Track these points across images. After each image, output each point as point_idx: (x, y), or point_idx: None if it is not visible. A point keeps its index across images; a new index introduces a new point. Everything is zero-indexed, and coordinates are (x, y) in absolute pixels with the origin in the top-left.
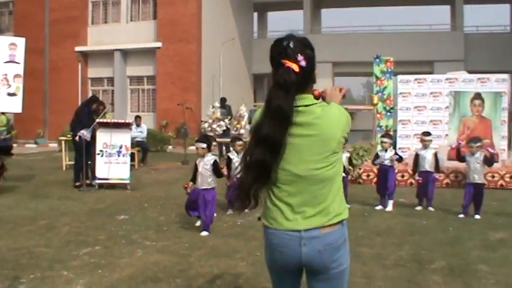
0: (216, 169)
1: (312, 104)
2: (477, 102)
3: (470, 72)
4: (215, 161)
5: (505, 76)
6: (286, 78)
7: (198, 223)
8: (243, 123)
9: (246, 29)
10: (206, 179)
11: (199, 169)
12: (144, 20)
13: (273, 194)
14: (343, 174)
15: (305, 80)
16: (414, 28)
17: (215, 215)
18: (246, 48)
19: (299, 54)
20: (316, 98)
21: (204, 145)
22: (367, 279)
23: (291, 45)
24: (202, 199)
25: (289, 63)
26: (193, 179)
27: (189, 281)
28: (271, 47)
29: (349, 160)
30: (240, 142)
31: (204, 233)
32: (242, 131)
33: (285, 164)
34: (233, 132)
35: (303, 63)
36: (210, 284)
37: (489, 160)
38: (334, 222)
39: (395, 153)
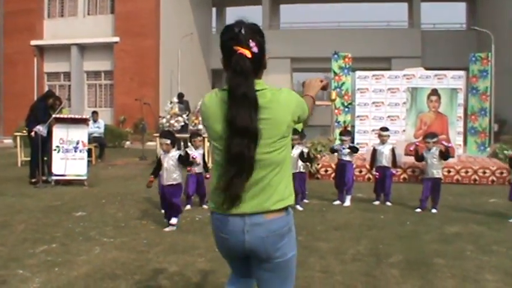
0: (183, 160)
1: (264, 89)
2: (434, 98)
3: (427, 68)
4: (180, 155)
5: (461, 73)
6: (242, 65)
7: (168, 229)
8: (201, 118)
9: (205, 24)
10: (172, 175)
11: (165, 165)
12: (102, 14)
13: (215, 175)
14: (302, 170)
15: (257, 65)
16: (372, 25)
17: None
18: (204, 43)
19: (251, 41)
20: None
21: (169, 141)
22: (325, 273)
23: (243, 31)
24: (169, 195)
25: (241, 50)
26: (155, 173)
27: (147, 278)
28: (222, 34)
29: (301, 155)
30: (199, 138)
31: (174, 220)
32: (200, 127)
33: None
34: (191, 127)
35: (255, 49)
36: (168, 280)
37: (444, 154)
38: (279, 207)
39: (351, 146)
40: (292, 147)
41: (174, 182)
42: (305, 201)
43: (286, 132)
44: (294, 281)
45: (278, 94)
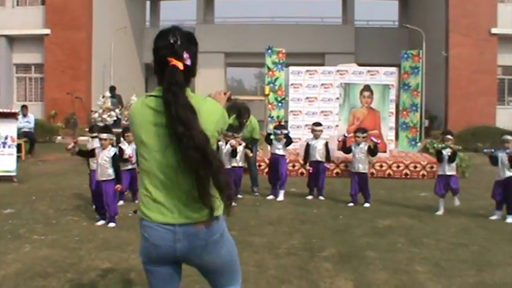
0: (114, 162)
1: (188, 97)
2: (366, 94)
3: (360, 64)
4: (115, 153)
5: (393, 69)
6: (177, 78)
7: (100, 223)
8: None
9: (138, 17)
10: (106, 171)
11: (99, 160)
12: (32, 4)
13: (144, 183)
14: (241, 164)
15: (188, 76)
16: (306, 21)
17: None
18: (138, 37)
19: (185, 52)
20: None
21: (106, 135)
22: (260, 268)
23: (179, 42)
24: (105, 192)
25: (174, 62)
26: (83, 154)
27: (79, 275)
28: (156, 40)
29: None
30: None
31: (112, 225)
32: None
33: (160, 155)
34: (124, 122)
35: (188, 61)
36: (101, 277)
37: (372, 150)
38: (208, 218)
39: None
40: (226, 143)
41: (109, 178)
42: (239, 196)
43: (211, 141)
44: (239, 270)
45: (203, 103)
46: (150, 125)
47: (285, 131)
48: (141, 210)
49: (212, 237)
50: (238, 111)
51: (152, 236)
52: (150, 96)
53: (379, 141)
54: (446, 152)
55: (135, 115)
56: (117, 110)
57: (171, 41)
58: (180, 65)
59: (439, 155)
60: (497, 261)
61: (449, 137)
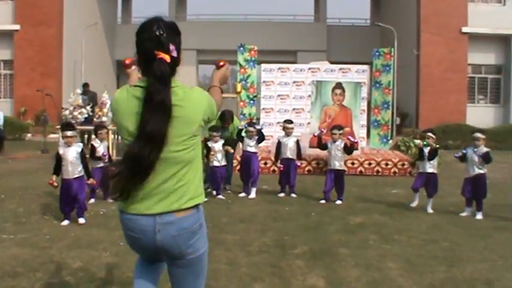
0: (84, 158)
1: (176, 86)
2: (338, 91)
3: (332, 62)
4: (82, 149)
5: (365, 67)
6: (164, 71)
7: (65, 222)
8: (105, 110)
9: (110, 14)
10: (77, 168)
11: (69, 158)
12: (1, 0)
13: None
14: (224, 163)
15: (174, 67)
16: (278, 18)
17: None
18: (109, 33)
19: (171, 44)
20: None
21: (70, 133)
22: (232, 265)
23: (164, 34)
24: (75, 189)
25: (162, 55)
26: (56, 171)
27: (50, 274)
28: (139, 32)
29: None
30: (104, 130)
31: (82, 220)
32: (104, 119)
33: None
34: (95, 119)
35: (174, 53)
36: (72, 276)
37: (349, 148)
38: (189, 206)
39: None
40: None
41: (79, 175)
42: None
43: (197, 131)
44: (206, 276)
45: (190, 93)
46: (136, 115)
47: (257, 127)
48: (120, 202)
49: (192, 226)
50: (222, 114)
51: (131, 228)
52: (137, 86)
53: (356, 140)
54: (427, 150)
55: (120, 105)
56: (88, 108)
57: (157, 34)
58: (167, 58)
59: (420, 152)
60: (467, 257)
61: (430, 134)
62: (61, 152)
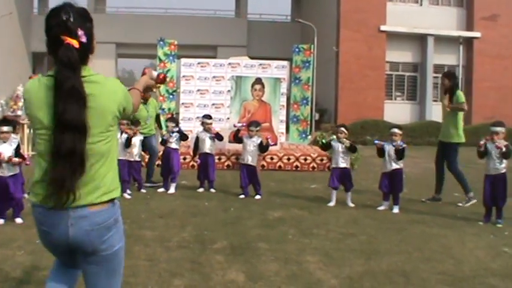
0: (18, 151)
1: (90, 75)
2: (258, 87)
3: (252, 58)
4: (18, 144)
5: (285, 63)
6: (70, 57)
7: (1, 221)
8: (20, 104)
9: (26, 4)
10: (12, 165)
11: (4, 155)
12: None
13: (40, 166)
14: (137, 159)
15: (85, 54)
16: (199, 13)
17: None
18: (25, 24)
19: (79, 29)
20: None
21: (7, 128)
22: (151, 261)
23: (71, 18)
24: (12, 187)
25: (69, 40)
26: None
27: None
28: (48, 18)
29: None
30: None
31: (19, 220)
32: (19, 112)
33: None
34: (9, 113)
35: (83, 39)
36: None
37: (264, 147)
38: (104, 200)
39: (179, 131)
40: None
41: (16, 172)
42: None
43: (112, 122)
44: (122, 273)
45: (105, 82)
46: (48, 106)
47: (176, 128)
48: (33, 195)
49: (107, 220)
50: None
51: (44, 222)
52: (48, 76)
53: (273, 143)
54: (337, 144)
55: (32, 95)
56: (2, 101)
57: (64, 18)
58: (75, 43)
59: (328, 146)
60: (384, 250)
61: (342, 129)
62: None
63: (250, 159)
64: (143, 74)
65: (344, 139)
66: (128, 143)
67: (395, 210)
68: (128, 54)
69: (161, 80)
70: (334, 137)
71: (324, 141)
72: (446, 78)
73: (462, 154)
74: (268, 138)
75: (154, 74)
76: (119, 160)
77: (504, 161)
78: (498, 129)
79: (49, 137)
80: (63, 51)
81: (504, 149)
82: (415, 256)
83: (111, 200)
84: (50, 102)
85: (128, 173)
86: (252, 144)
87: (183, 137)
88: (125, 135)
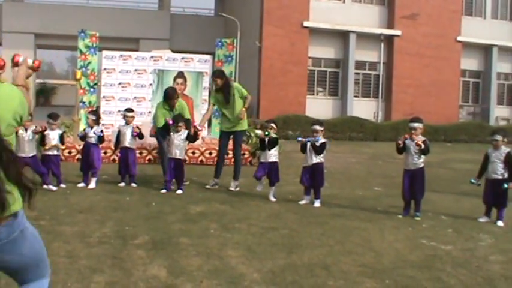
0: None
1: None
2: (180, 80)
3: (175, 51)
4: None
5: (208, 57)
6: None
7: None
8: None
9: None
10: None
11: None
12: None
13: None
14: (56, 153)
15: None
16: (121, 5)
17: None
18: None
19: None
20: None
21: None
22: (71, 258)
23: None
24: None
25: None
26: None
27: None
28: None
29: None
30: None
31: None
32: None
33: None
34: None
35: None
36: None
37: (192, 137)
38: (4, 215)
39: (101, 131)
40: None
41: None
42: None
43: (7, 131)
44: (48, 266)
45: None
46: None
47: (98, 129)
48: None
49: (11, 235)
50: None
51: None
52: None
53: (200, 128)
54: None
55: None
56: None
57: None
58: None
59: (262, 142)
60: (306, 243)
61: (272, 125)
62: None
63: (178, 152)
64: (15, 63)
65: (273, 134)
66: (42, 141)
67: (317, 204)
68: (48, 45)
69: (36, 67)
70: (271, 131)
71: (266, 133)
72: (218, 79)
73: (382, 149)
74: (195, 125)
75: (30, 61)
76: (31, 157)
77: (422, 156)
78: (416, 125)
79: None
80: None
81: (423, 146)
82: (336, 249)
83: (13, 214)
84: None
85: (47, 167)
86: (179, 137)
87: (100, 140)
88: (30, 132)
